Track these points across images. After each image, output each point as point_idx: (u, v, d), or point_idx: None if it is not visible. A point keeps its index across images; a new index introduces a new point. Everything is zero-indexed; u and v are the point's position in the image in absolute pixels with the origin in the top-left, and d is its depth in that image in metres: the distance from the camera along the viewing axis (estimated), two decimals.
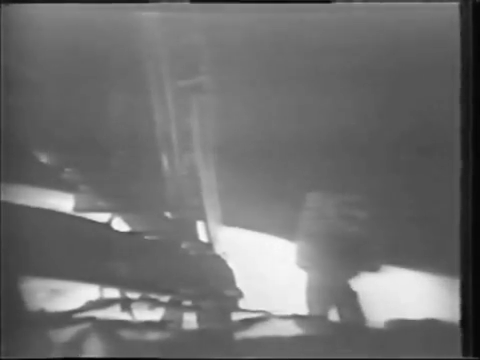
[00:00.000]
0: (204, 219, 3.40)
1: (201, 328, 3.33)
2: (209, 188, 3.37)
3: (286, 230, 3.34)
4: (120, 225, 3.40)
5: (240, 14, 3.25)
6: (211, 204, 3.37)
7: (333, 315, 3.36)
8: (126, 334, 3.30)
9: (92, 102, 3.33)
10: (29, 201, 3.30)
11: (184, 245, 3.40)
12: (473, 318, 3.02)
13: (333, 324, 3.34)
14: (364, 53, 3.26)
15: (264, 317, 3.30)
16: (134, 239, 3.39)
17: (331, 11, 3.22)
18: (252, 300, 3.33)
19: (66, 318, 3.30)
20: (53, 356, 3.26)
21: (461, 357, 3.05)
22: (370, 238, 3.31)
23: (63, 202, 3.36)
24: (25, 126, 3.31)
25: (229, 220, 3.36)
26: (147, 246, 3.38)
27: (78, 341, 3.28)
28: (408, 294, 3.29)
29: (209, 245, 3.41)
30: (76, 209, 3.38)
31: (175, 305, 3.34)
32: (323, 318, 3.35)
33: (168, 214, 3.41)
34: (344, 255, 3.35)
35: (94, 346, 3.28)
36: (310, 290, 3.35)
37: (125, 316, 3.33)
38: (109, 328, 3.30)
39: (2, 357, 3.19)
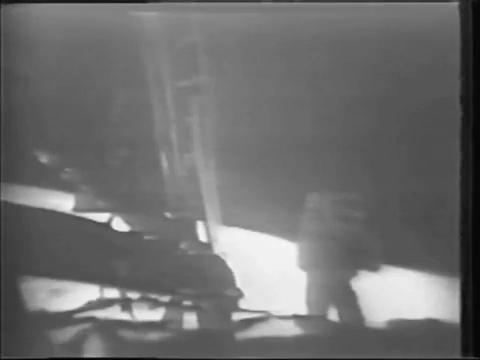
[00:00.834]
0: (204, 219, 3.40)
1: (201, 328, 3.33)
2: (209, 188, 3.37)
3: (286, 230, 3.34)
4: (120, 225, 3.40)
5: (240, 14, 3.25)
6: (211, 204, 3.37)
7: (333, 315, 3.36)
8: (126, 334, 3.30)
9: (92, 102, 3.33)
10: (29, 201, 3.30)
11: (184, 245, 3.40)
12: (473, 318, 3.02)
13: (333, 324, 3.34)
14: (363, 53, 3.26)
15: (264, 317, 3.30)
16: (134, 239, 3.39)
17: (330, 11, 3.22)
18: (252, 300, 3.33)
19: (66, 318, 3.30)
20: (53, 356, 3.26)
21: (461, 357, 3.05)
22: (370, 238, 3.31)
23: (63, 202, 3.36)
24: (25, 126, 3.31)
25: (229, 220, 3.36)
26: (147, 246, 3.38)
27: (78, 341, 3.28)
28: (408, 294, 3.29)
29: (209, 245, 3.41)
30: (76, 209, 3.38)
31: (175, 305, 3.34)
32: (323, 318, 3.35)
33: (168, 214, 3.40)
34: (344, 255, 3.35)
35: (94, 346, 3.28)
36: (310, 290, 3.35)
37: (125, 316, 3.33)
38: (109, 328, 3.30)
39: (2, 357, 3.19)
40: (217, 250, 3.40)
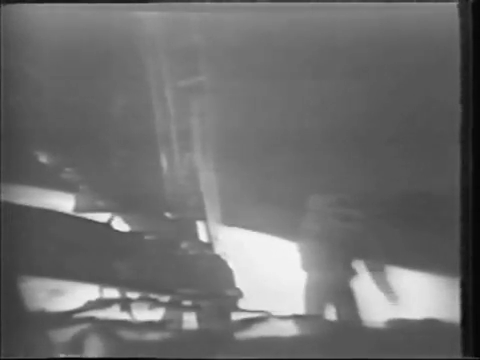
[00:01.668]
0: (204, 219, 3.40)
1: (201, 328, 3.33)
2: (209, 188, 3.37)
3: (286, 230, 3.34)
4: (120, 225, 3.40)
5: (240, 14, 3.25)
6: (211, 204, 3.37)
7: (333, 315, 3.36)
8: (126, 334, 3.30)
9: (92, 102, 3.33)
10: (29, 201, 3.30)
11: (184, 245, 3.40)
12: (473, 318, 3.02)
13: (333, 324, 3.34)
14: (363, 53, 3.26)
15: (264, 317, 3.30)
16: (134, 239, 3.39)
17: (330, 11, 3.22)
18: (252, 300, 3.33)
19: (66, 318, 3.30)
20: (53, 356, 3.26)
21: (461, 357, 3.05)
22: (371, 238, 3.31)
23: (63, 202, 3.36)
24: (25, 126, 3.31)
25: (229, 220, 3.36)
26: (147, 246, 3.38)
27: (78, 341, 3.28)
28: (408, 294, 3.29)
29: (209, 245, 3.41)
30: (76, 209, 3.38)
31: (175, 305, 3.34)
32: (323, 318, 3.35)
33: (168, 214, 3.40)
34: (344, 255, 3.35)
35: (94, 346, 3.28)
36: (310, 290, 3.35)
37: (125, 316, 3.33)
38: (109, 328, 3.30)
39: (2, 357, 3.19)
40: (217, 250, 3.40)
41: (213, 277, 3.35)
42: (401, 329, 3.26)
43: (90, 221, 3.38)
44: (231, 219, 3.36)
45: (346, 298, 3.35)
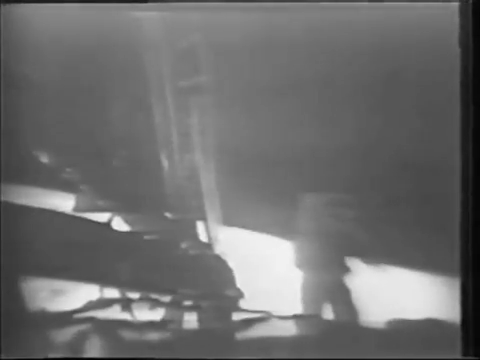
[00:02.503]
0: (204, 219, 3.40)
1: (201, 328, 3.33)
2: (209, 188, 3.37)
3: (287, 230, 3.34)
4: (120, 225, 3.40)
5: (240, 14, 3.25)
6: (211, 204, 3.37)
7: (333, 315, 3.36)
8: (126, 334, 3.30)
9: (92, 102, 3.33)
10: (29, 201, 3.30)
11: (184, 245, 3.40)
12: (473, 318, 3.03)
13: (333, 324, 3.34)
14: (362, 53, 3.26)
15: (264, 317, 3.30)
16: (134, 239, 3.39)
17: (330, 11, 3.22)
18: (252, 300, 3.33)
19: (66, 318, 3.30)
20: (53, 356, 3.26)
21: (461, 357, 3.06)
22: (371, 238, 3.31)
23: (63, 202, 3.36)
24: (25, 126, 3.31)
25: (229, 220, 3.36)
26: (147, 246, 3.38)
27: (78, 341, 3.28)
28: (408, 294, 3.30)
29: (209, 245, 3.41)
30: (76, 209, 3.38)
31: (175, 305, 3.34)
32: (324, 318, 3.35)
33: (168, 214, 3.40)
34: (345, 255, 3.36)
35: (94, 346, 3.28)
36: (311, 290, 3.35)
37: (125, 316, 3.33)
38: (109, 328, 3.30)
39: (2, 357, 3.19)
40: (217, 250, 3.40)
41: (213, 277, 3.35)
42: (401, 329, 3.26)
43: (90, 221, 3.38)
44: (231, 219, 3.36)
45: (347, 298, 3.36)
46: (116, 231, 3.39)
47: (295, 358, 3.24)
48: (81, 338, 3.28)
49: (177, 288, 3.34)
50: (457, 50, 3.11)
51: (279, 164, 3.30)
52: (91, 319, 3.30)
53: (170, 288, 3.34)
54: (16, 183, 3.29)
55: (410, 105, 3.28)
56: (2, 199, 3.27)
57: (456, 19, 3.13)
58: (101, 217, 3.40)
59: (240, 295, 3.33)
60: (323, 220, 3.35)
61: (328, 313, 3.36)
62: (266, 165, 3.30)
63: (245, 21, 3.26)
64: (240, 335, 3.31)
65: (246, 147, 3.29)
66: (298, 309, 3.33)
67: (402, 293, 3.29)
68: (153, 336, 3.31)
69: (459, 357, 3.07)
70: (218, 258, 3.39)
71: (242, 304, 3.34)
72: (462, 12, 3.12)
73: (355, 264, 3.36)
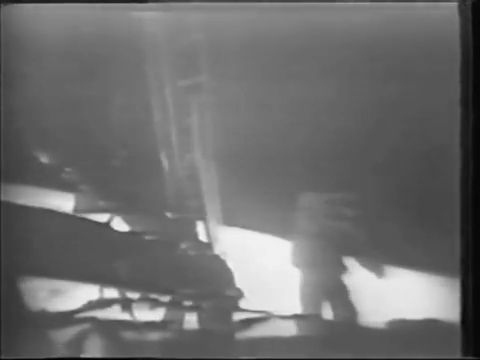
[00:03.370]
0: (204, 219, 3.40)
1: (202, 328, 3.33)
2: (209, 188, 3.37)
3: (287, 230, 3.34)
4: (120, 225, 3.40)
5: (240, 14, 3.25)
6: (211, 204, 3.37)
7: (334, 315, 3.36)
8: (127, 334, 3.30)
9: (92, 102, 3.33)
10: (29, 201, 3.30)
11: (184, 245, 3.40)
12: (473, 318, 3.03)
13: (333, 324, 3.34)
14: (362, 53, 3.26)
15: (264, 317, 3.30)
16: (134, 239, 3.39)
17: (330, 11, 3.22)
18: (252, 300, 3.33)
19: (66, 318, 3.30)
20: (53, 356, 3.26)
21: (461, 357, 3.06)
22: (372, 238, 3.31)
23: (63, 202, 3.36)
24: (25, 126, 3.31)
25: (229, 220, 3.36)
26: (147, 246, 3.38)
27: (78, 341, 3.28)
28: (408, 294, 3.30)
29: (209, 245, 3.41)
30: (76, 209, 3.38)
31: (175, 305, 3.34)
32: (323, 318, 3.35)
33: (168, 214, 3.40)
34: (345, 255, 3.36)
35: (94, 346, 3.28)
36: (311, 290, 3.35)
37: (125, 316, 3.33)
38: (109, 328, 3.30)
39: (2, 357, 3.19)
40: (217, 250, 3.40)
41: (213, 277, 3.35)
42: (401, 329, 3.26)
43: (90, 221, 3.38)
44: (231, 219, 3.36)
45: (347, 298, 3.36)
46: (116, 231, 3.39)
47: (295, 358, 3.24)
48: (81, 338, 3.28)
49: (177, 288, 3.34)
50: (457, 50, 3.11)
51: (279, 164, 3.30)
52: (91, 319, 3.30)
53: (170, 288, 3.34)
54: (16, 183, 3.29)
55: (410, 105, 3.28)
56: (2, 199, 3.26)
57: (456, 19, 3.13)
58: (101, 217, 3.40)
59: (240, 295, 3.33)
60: (323, 220, 3.35)
61: (328, 313, 3.36)
62: (266, 165, 3.30)
63: (245, 21, 3.26)
64: (240, 335, 3.31)
65: (246, 147, 3.29)
66: (298, 309, 3.34)
67: (402, 293, 3.29)
68: (153, 336, 3.31)
69: (459, 357, 3.07)
70: (218, 258, 3.39)
71: (242, 304, 3.34)
72: (462, 12, 3.12)
73: (355, 264, 3.36)
